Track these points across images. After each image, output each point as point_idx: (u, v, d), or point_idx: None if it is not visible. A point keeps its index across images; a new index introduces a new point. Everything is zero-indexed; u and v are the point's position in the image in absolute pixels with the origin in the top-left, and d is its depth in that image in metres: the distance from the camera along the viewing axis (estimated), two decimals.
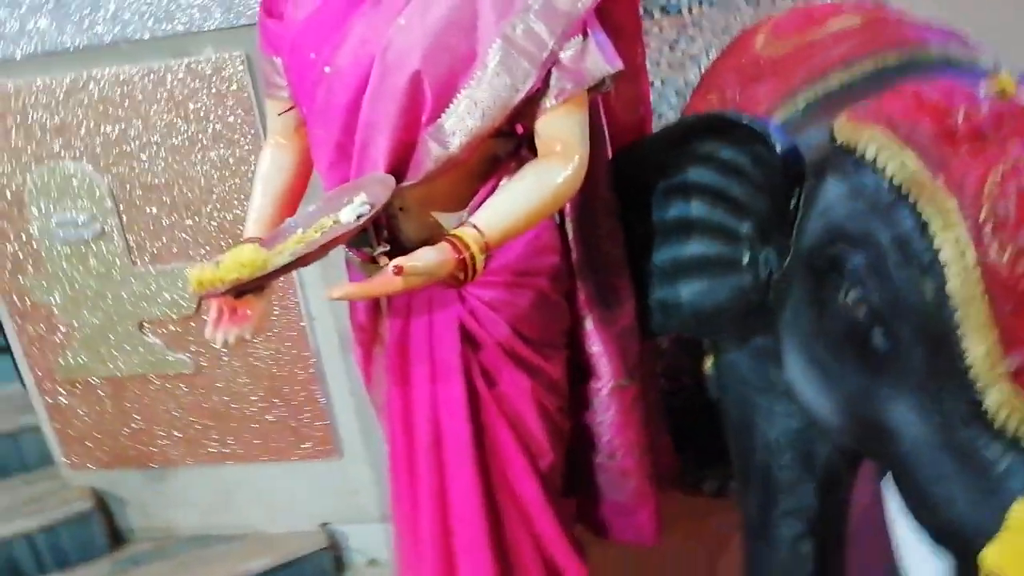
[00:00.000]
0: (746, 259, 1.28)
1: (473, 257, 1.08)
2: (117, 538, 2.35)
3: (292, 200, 1.37)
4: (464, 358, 1.28)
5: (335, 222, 1.11)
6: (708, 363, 1.55)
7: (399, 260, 1.03)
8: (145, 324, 2.09)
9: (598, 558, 1.54)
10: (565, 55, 1.14)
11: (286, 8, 1.29)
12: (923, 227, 0.98)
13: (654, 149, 1.37)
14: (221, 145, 1.90)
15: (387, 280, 1.04)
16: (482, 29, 1.13)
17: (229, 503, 2.29)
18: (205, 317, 1.26)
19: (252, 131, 1.87)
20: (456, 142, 1.15)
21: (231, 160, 1.91)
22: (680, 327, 1.44)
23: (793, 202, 1.16)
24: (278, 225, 1.30)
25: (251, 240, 1.28)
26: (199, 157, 1.92)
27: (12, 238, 2.07)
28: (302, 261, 1.07)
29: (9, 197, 2.04)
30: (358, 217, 1.10)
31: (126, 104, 1.91)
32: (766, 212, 1.23)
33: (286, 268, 1.07)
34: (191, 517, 2.33)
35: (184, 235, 2.00)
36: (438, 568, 1.34)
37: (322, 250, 1.07)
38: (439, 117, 1.15)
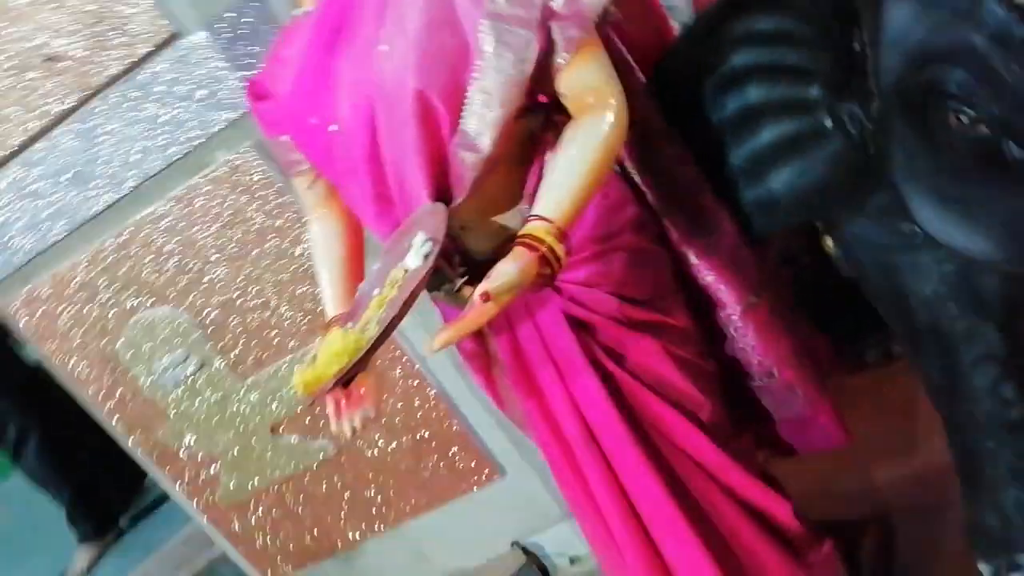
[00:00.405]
0: (828, 123, 1.16)
1: (552, 249, 1.02)
2: None
3: (356, 265, 1.34)
4: (583, 347, 1.22)
5: (405, 272, 1.06)
6: (828, 243, 1.44)
7: (482, 286, 0.97)
8: (281, 429, 2.12)
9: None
10: (557, 3, 1.05)
11: (272, 88, 1.25)
12: (1018, 10, 0.85)
13: (686, 53, 1.27)
14: (270, 236, 1.90)
15: (480, 311, 0.98)
16: (464, 17, 1.05)
17: (421, 557, 2.31)
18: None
19: (292, 210, 1.85)
20: (486, 142, 1.07)
21: (285, 245, 1.90)
22: (787, 220, 1.33)
23: (856, 45, 1.04)
24: (352, 295, 1.26)
25: (334, 322, 1.25)
26: (255, 255, 1.92)
27: (128, 401, 2.13)
28: (391, 326, 1.02)
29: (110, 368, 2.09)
30: (425, 257, 1.04)
31: (170, 237, 1.93)
32: (830, 68, 1.11)
33: (380, 339, 1.02)
34: None
35: (272, 332, 2.00)
36: (643, 557, 1.29)
37: (405, 307, 1.02)
38: (459, 124, 1.08)
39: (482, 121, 1.06)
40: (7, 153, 1.85)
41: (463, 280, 1.11)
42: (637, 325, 1.24)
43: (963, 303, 1.24)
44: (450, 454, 2.07)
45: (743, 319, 1.37)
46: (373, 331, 1.05)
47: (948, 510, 1.60)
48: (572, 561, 2.20)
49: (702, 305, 1.36)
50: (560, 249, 1.02)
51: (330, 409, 1.18)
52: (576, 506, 1.39)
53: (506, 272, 0.99)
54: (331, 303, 1.31)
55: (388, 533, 2.25)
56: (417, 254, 1.06)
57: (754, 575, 1.33)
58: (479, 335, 1.33)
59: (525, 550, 2.20)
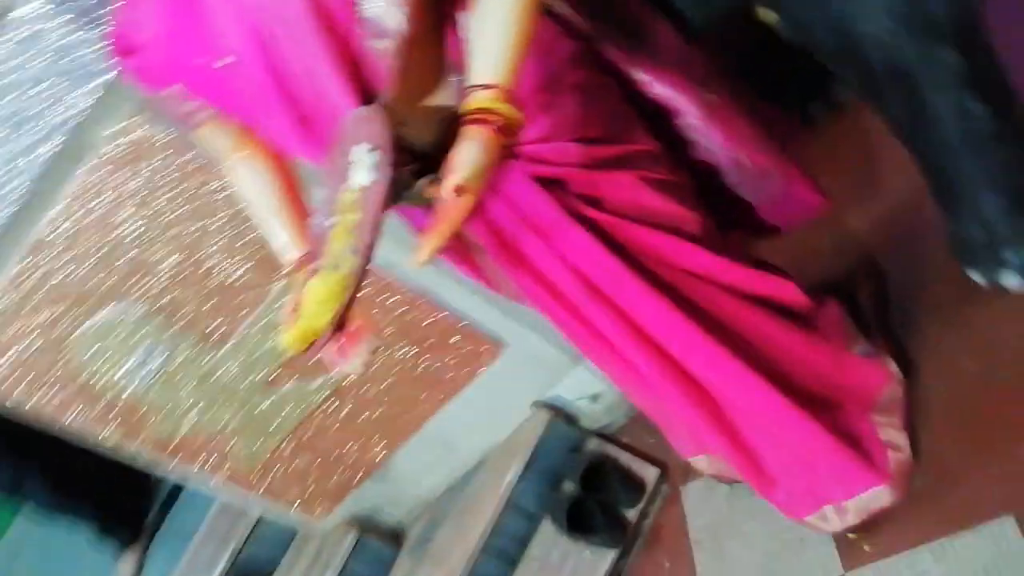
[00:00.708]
0: None
1: (505, 115, 0.94)
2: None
3: (297, 200, 1.24)
4: (560, 203, 1.16)
5: (360, 189, 0.97)
6: (763, 13, 1.37)
7: (451, 180, 0.90)
8: (273, 381, 2.07)
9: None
10: None
11: (137, 38, 1.10)
12: None
13: None
14: (187, 196, 1.75)
15: (457, 206, 0.91)
16: None
17: (451, 448, 2.34)
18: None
19: (203, 163, 1.70)
20: (392, 20, 0.96)
21: (208, 200, 1.77)
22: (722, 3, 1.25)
23: None
24: (305, 232, 1.17)
25: (300, 265, 1.16)
26: (182, 221, 1.78)
27: (111, 412, 2.02)
28: (368, 251, 0.95)
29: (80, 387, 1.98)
30: (376, 168, 0.96)
31: (84, 236, 1.76)
32: None
33: (361, 269, 0.95)
34: (434, 480, 2.42)
35: (229, 294, 1.90)
36: (674, 382, 1.29)
37: (375, 227, 0.95)
38: (360, 13, 0.96)
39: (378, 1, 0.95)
40: None
41: (424, 179, 1.02)
42: (605, 164, 1.18)
43: (914, 30, 1.20)
44: (450, 343, 2.04)
45: (704, 120, 1.32)
46: (351, 263, 0.97)
47: (928, 238, 1.65)
48: (594, 399, 2.24)
49: (660, 120, 1.31)
50: (514, 113, 0.94)
51: (331, 355, 1.12)
52: (595, 355, 1.39)
53: (470, 157, 0.91)
54: (287, 247, 1.23)
55: (412, 439, 2.26)
56: (364, 168, 0.97)
57: (776, 359, 1.36)
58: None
59: (547, 406, 2.24)
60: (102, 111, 1.60)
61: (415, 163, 1.07)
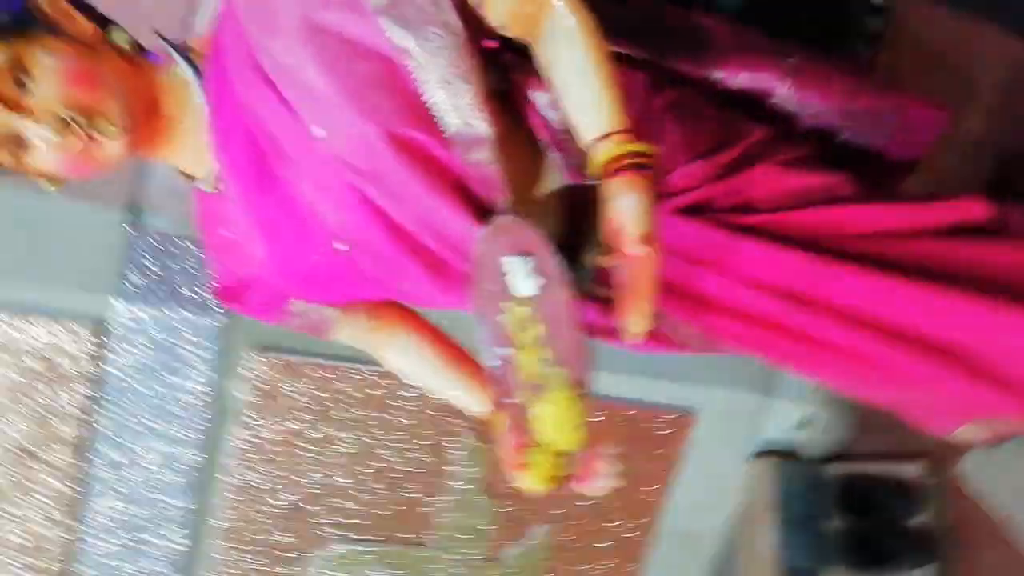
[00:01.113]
0: None
1: (635, 152, 0.86)
2: None
3: (460, 353, 1.19)
4: (715, 224, 1.07)
5: (532, 299, 0.90)
6: None
7: (630, 234, 0.81)
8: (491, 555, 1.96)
9: None
10: None
11: (241, 274, 1.09)
12: None
13: None
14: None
15: (645, 263, 0.83)
16: (359, 37, 0.89)
17: (694, 536, 2.17)
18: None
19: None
20: (481, 126, 0.91)
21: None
22: None
23: None
24: (484, 380, 1.11)
25: (495, 411, 1.09)
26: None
27: None
28: (576, 353, 0.86)
29: None
30: (537, 269, 0.89)
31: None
32: None
33: (581, 374, 0.86)
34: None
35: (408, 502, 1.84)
36: (932, 360, 1.13)
37: (573, 325, 0.86)
38: (443, 134, 0.92)
39: (458, 111, 0.91)
40: None
41: (589, 255, 0.95)
42: (734, 167, 1.10)
43: None
44: (644, 433, 1.91)
45: (794, 87, 1.24)
46: (560, 376, 0.89)
47: None
48: (805, 425, 2.06)
49: (756, 109, 1.23)
50: (645, 147, 0.87)
51: (581, 476, 1.01)
52: (813, 367, 1.24)
53: (631, 205, 0.83)
54: (472, 404, 1.16)
55: (651, 547, 2.10)
56: (523, 276, 0.89)
57: (1001, 278, 1.19)
58: (600, 306, 1.17)
59: (763, 454, 2.06)
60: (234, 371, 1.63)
61: (578, 252, 1.01)
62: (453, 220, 0.94)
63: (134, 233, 1.55)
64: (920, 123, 1.36)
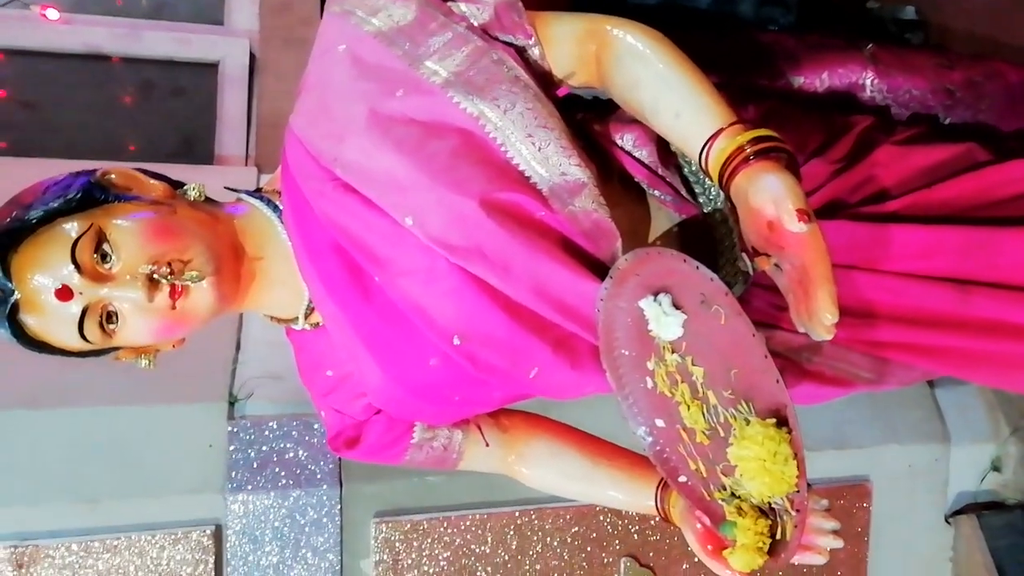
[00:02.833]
0: None
1: (761, 138, 0.76)
2: None
3: (611, 450, 1.06)
4: (855, 220, 0.96)
5: (680, 341, 0.78)
6: None
7: (787, 209, 0.69)
8: None
9: None
10: (479, 18, 0.87)
11: (351, 412, 0.99)
12: None
13: None
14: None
15: (812, 240, 0.70)
16: (434, 117, 0.84)
17: None
18: None
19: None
20: (576, 171, 0.84)
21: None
22: None
23: None
24: (647, 470, 0.98)
25: (666, 490, 0.95)
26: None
27: None
28: (765, 383, 0.73)
29: None
30: (677, 303, 0.77)
31: None
32: None
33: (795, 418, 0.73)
34: None
35: None
36: None
37: (742, 352, 0.73)
38: (538, 191, 0.84)
39: (551, 160, 0.83)
40: None
41: (739, 262, 0.83)
42: (854, 156, 1.00)
43: None
44: (835, 509, 1.67)
45: (882, 76, 1.17)
46: (735, 417, 0.75)
47: None
48: (997, 467, 1.80)
49: (852, 111, 1.14)
50: (762, 131, 0.77)
51: (795, 541, 0.84)
52: (1004, 367, 1.06)
53: (772, 185, 0.72)
54: (633, 499, 1.02)
55: None
56: (664, 317, 0.78)
57: None
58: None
59: (961, 512, 1.79)
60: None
61: (725, 261, 0.91)
62: (569, 282, 0.83)
63: (231, 427, 1.50)
64: (1022, 86, 1.26)
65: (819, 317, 0.70)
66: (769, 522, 0.76)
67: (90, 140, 2.38)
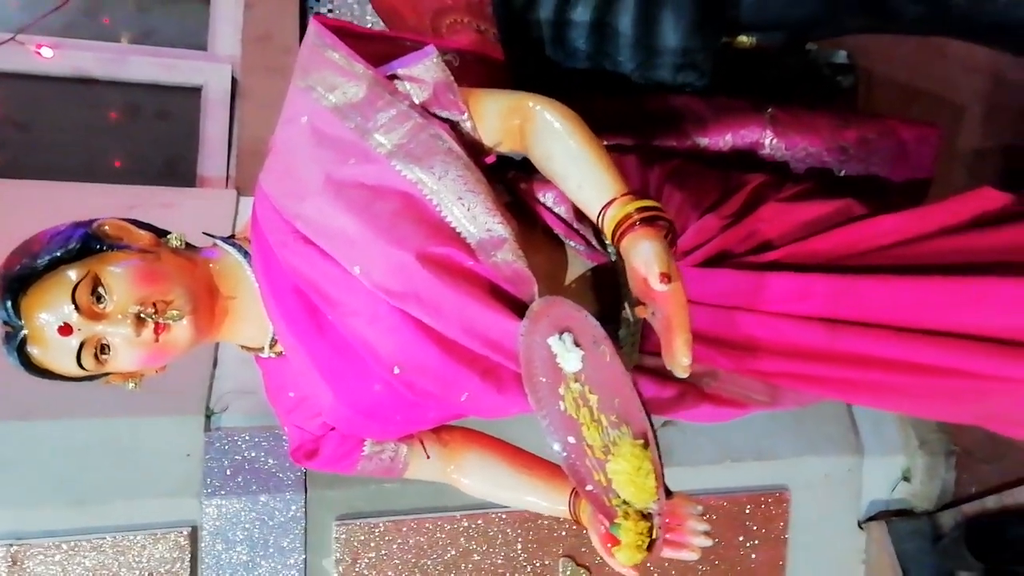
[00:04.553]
0: None
1: (641, 208, 0.92)
2: None
3: (534, 461, 1.21)
4: (740, 268, 1.12)
5: (579, 372, 0.94)
6: (743, 39, 1.44)
7: (652, 274, 0.86)
8: None
9: None
10: (418, 97, 1.01)
11: (312, 429, 1.15)
12: None
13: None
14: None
15: (671, 297, 0.86)
16: (379, 182, 0.98)
17: None
18: None
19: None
20: (497, 229, 0.99)
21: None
22: (708, 48, 1.32)
23: None
24: (559, 478, 1.14)
25: (577, 496, 1.10)
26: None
27: None
28: (634, 410, 0.89)
29: None
30: (575, 341, 0.93)
31: None
32: None
33: (643, 425, 0.88)
34: None
35: None
36: (1001, 354, 1.10)
37: (620, 386, 0.89)
38: (468, 244, 1.00)
39: (478, 218, 0.98)
40: None
41: (625, 311, 0.99)
42: (743, 212, 1.14)
43: None
44: (742, 520, 1.85)
45: (780, 136, 1.31)
46: (625, 433, 0.91)
47: None
48: (907, 477, 1.97)
49: (752, 165, 1.30)
50: (646, 202, 0.93)
51: (668, 542, 1.00)
52: (886, 396, 1.18)
53: (646, 251, 0.88)
54: (554, 505, 1.18)
55: None
56: (567, 352, 0.93)
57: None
58: (657, 380, 1.20)
59: (873, 519, 1.96)
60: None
61: (610, 311, 1.06)
62: (494, 321, 0.98)
63: (207, 438, 1.64)
64: (914, 142, 1.40)
65: (677, 359, 0.86)
66: (649, 524, 0.93)
67: (78, 160, 2.48)
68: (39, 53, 2.39)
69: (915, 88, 1.98)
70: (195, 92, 2.56)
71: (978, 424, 1.29)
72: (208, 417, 1.65)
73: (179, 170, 2.52)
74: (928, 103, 1.94)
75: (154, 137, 2.60)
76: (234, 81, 2.57)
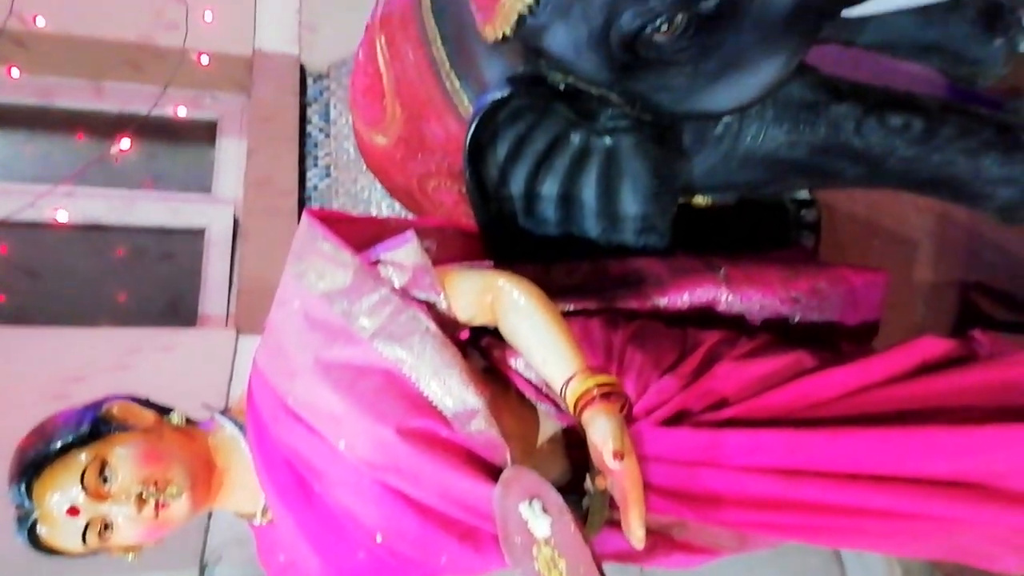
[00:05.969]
0: (609, 140, 1.31)
1: (598, 384, 1.02)
2: None
3: None
4: (698, 427, 1.19)
5: (549, 538, 1.01)
6: (698, 199, 1.57)
7: (607, 452, 0.95)
8: None
9: None
10: (398, 281, 1.12)
11: None
12: None
13: (483, 204, 1.37)
14: None
15: (628, 469, 0.94)
16: (362, 361, 1.07)
17: None
18: None
19: None
20: (471, 400, 1.08)
21: None
22: (663, 216, 1.44)
23: (561, 86, 1.22)
24: None
25: None
26: None
27: None
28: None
29: None
30: (543, 508, 1.00)
31: None
32: (566, 116, 1.29)
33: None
34: None
35: None
36: (957, 498, 1.17)
37: (582, 555, 0.96)
38: (445, 417, 1.09)
39: (454, 391, 1.07)
40: None
41: (587, 483, 1.07)
42: (700, 371, 1.23)
43: (812, 113, 1.38)
44: None
45: (734, 291, 1.41)
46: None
47: (982, 234, 1.68)
48: None
49: (710, 319, 1.40)
50: (606, 378, 1.03)
51: None
52: (854, 539, 1.23)
53: (602, 429, 0.97)
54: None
55: None
56: (537, 519, 1.01)
57: (970, 401, 1.24)
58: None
59: None
60: None
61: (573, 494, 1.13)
62: (470, 487, 1.07)
63: None
64: (862, 288, 1.50)
65: (632, 532, 0.95)
66: None
67: (84, 304, 2.57)
68: (56, 219, 2.54)
69: (875, 223, 2.10)
70: (198, 234, 2.70)
71: (955, 559, 1.33)
72: (203, 571, 1.69)
73: (181, 310, 2.61)
74: (887, 238, 2.05)
75: (157, 278, 2.70)
76: (235, 222, 2.71)
